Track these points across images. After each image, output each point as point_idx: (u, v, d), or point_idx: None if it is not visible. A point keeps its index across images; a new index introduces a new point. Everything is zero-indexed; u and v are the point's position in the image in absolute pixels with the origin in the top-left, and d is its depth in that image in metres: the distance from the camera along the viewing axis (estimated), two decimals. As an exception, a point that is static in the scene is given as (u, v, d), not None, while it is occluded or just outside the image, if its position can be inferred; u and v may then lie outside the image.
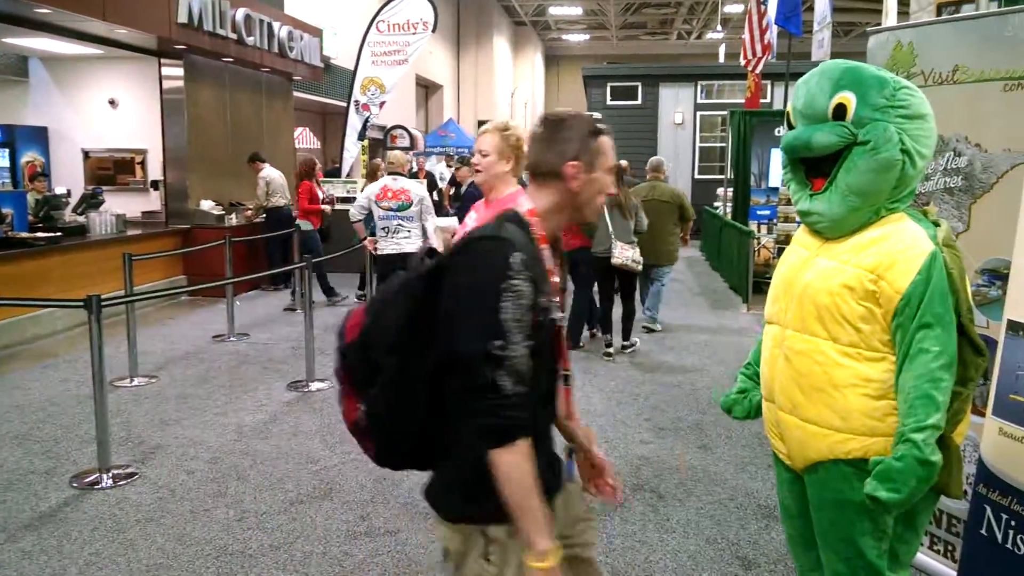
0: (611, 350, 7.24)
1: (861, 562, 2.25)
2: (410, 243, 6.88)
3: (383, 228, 6.87)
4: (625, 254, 7.00)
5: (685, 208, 8.16)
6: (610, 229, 6.98)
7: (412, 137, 17.75)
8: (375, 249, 7.04)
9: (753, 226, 10.58)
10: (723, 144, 18.49)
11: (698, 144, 18.30)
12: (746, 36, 12.51)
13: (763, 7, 12.14)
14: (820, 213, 2.22)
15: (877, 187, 2.12)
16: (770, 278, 7.79)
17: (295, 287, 9.42)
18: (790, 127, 2.32)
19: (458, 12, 27.32)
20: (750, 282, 9.42)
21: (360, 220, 7.03)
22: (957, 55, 3.28)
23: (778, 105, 15.85)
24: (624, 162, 7.79)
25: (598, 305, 7.63)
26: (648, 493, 4.31)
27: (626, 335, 7.44)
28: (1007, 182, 3.03)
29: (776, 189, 10.35)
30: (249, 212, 10.64)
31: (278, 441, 5.04)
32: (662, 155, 17.74)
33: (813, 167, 2.25)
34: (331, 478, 4.48)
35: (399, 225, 6.84)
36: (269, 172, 10.51)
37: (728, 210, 11.85)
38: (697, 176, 18.18)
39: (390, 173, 7.10)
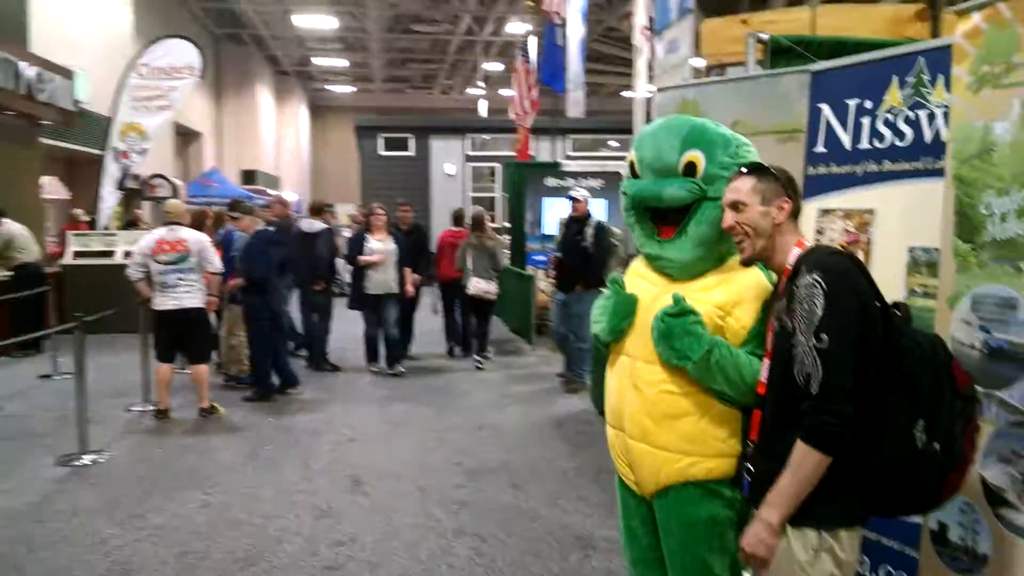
0: (480, 359, 8.92)
1: (708, 577, 2.41)
2: (192, 297, 6.48)
3: (161, 284, 6.42)
4: (479, 286, 8.51)
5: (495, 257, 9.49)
6: (470, 266, 8.48)
7: (174, 186, 16.76)
8: (151, 304, 6.54)
9: (530, 271, 11.01)
10: (494, 194, 19.20)
11: (469, 194, 18.84)
12: (515, 92, 13.14)
13: (528, 65, 12.83)
14: (671, 259, 2.40)
15: (726, 237, 2.31)
16: (548, 321, 8.02)
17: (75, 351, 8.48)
18: (634, 176, 2.48)
19: (218, 59, 26.31)
20: (533, 325, 9.77)
21: (141, 279, 6.49)
22: (736, 111, 3.69)
23: (542, 157, 16.75)
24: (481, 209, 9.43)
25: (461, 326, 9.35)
26: (470, 536, 4.31)
27: (481, 349, 9.00)
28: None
29: (551, 236, 10.80)
30: None
31: (56, 524, 4.49)
32: (435, 203, 18.19)
33: (659, 215, 2.42)
34: (126, 558, 4.05)
35: (179, 279, 6.43)
36: (10, 228, 9.45)
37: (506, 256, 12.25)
38: (470, 225, 18.68)
39: (167, 223, 6.68)
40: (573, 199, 7.62)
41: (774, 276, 2.33)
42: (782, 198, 2.16)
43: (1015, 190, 2.27)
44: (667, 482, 2.40)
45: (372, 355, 8.58)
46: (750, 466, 2.21)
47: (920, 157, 2.96)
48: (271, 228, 7.53)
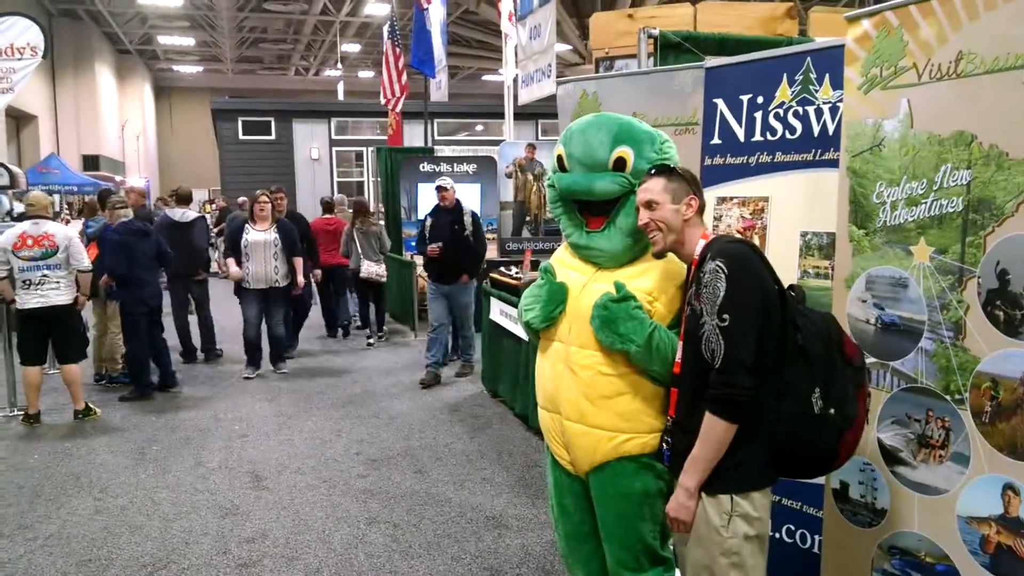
0: (371, 340, 9.39)
1: (641, 545, 2.59)
2: (60, 295, 6.14)
3: (24, 280, 6.05)
4: (371, 269, 8.94)
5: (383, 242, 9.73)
6: (359, 250, 8.91)
7: (12, 174, 15.57)
8: (13, 303, 6.15)
9: (409, 257, 10.99)
10: (361, 179, 18.97)
11: (335, 179, 18.53)
12: (384, 76, 13.01)
13: (398, 49, 12.72)
14: (601, 249, 2.54)
15: None
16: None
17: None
18: (563, 170, 2.60)
19: (51, 36, 24.50)
20: (416, 311, 9.79)
21: (3, 277, 6.07)
22: (634, 104, 3.87)
23: (409, 141, 16.67)
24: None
25: (356, 308, 9.92)
26: (383, 524, 4.36)
27: (379, 327, 9.58)
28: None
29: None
30: None
31: (-68, 540, 4.20)
32: (300, 188, 17.79)
33: (586, 207, 2.56)
34: (23, 571, 3.86)
35: (44, 276, 6.07)
36: None
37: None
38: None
39: (30, 217, 6.28)
40: (440, 188, 7.32)
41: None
42: (690, 196, 2.38)
43: (904, 181, 2.54)
44: (603, 459, 2.55)
45: (252, 359, 7.79)
46: (669, 439, 2.41)
47: (810, 149, 3.23)
48: (136, 220, 7.16)
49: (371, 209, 10.10)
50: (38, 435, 5.99)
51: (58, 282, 6.15)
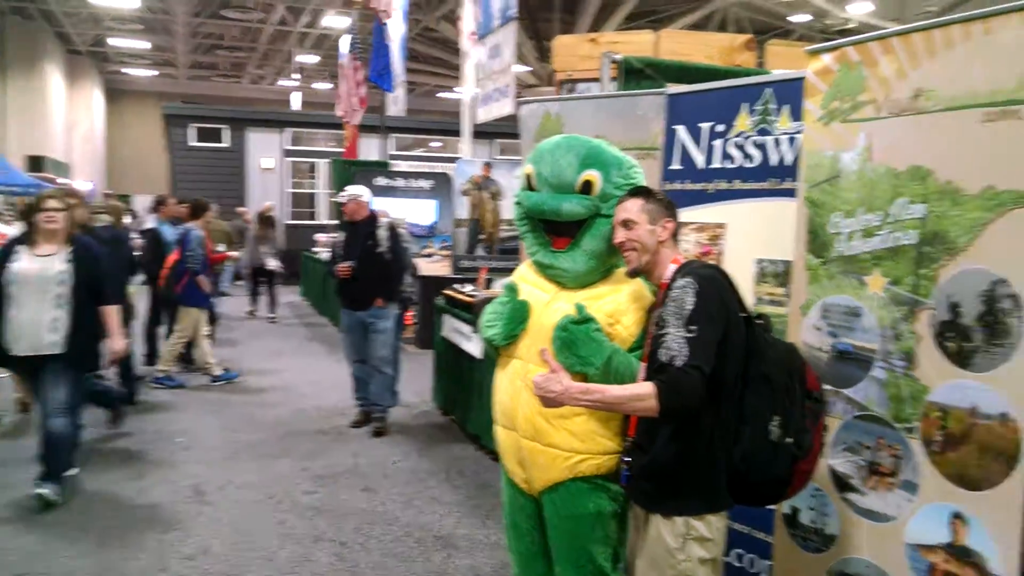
0: (254, 311, 12.29)
1: (592, 567, 2.58)
2: None
3: None
4: (273, 263, 11.64)
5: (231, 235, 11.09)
6: (263, 249, 11.56)
7: (-48, 173, 15.07)
8: None
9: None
10: (313, 190, 18.77)
11: (289, 189, 18.32)
12: (342, 89, 12.93)
13: (357, 63, 12.66)
14: (565, 269, 2.55)
15: (615, 251, 2.49)
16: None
17: None
18: (531, 188, 2.60)
19: (2, 34, 23.91)
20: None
21: None
22: (596, 127, 3.88)
23: (366, 155, 16.56)
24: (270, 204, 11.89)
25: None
26: (329, 542, 4.27)
27: (272, 308, 12.09)
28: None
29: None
30: None
31: None
32: (252, 198, 17.51)
33: (552, 227, 2.56)
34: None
35: None
36: None
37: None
38: (290, 221, 18.16)
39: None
40: (340, 204, 6.17)
41: (653, 287, 2.55)
42: (666, 218, 2.40)
43: (860, 213, 2.59)
44: (558, 478, 2.54)
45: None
46: (628, 459, 2.41)
47: (767, 178, 3.28)
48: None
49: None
50: (-31, 443, 5.76)
51: None
